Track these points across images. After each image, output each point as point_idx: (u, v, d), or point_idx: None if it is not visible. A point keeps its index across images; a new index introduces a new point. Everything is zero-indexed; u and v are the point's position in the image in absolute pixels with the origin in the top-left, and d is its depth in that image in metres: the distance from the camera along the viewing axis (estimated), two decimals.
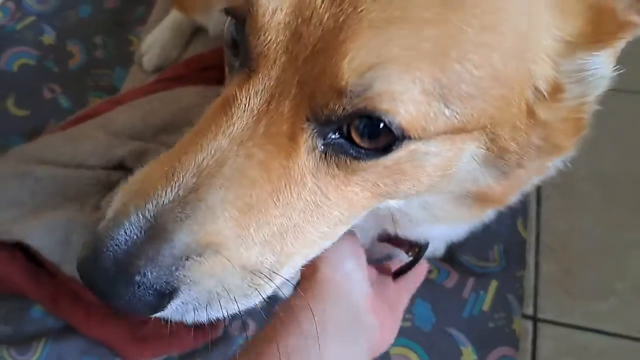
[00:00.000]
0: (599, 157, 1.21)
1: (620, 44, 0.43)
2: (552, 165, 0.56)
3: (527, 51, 0.40)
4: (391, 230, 0.61)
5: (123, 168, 1.09)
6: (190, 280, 0.39)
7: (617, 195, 1.17)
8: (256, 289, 0.42)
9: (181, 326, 0.90)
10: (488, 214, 0.61)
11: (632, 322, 1.03)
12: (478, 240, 1.05)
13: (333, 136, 0.40)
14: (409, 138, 0.39)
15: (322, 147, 0.40)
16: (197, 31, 1.35)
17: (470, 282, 1.00)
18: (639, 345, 1.01)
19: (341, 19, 0.36)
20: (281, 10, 0.38)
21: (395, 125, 0.37)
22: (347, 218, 0.44)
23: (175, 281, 0.39)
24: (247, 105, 0.39)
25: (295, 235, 0.42)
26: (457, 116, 0.39)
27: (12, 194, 1.05)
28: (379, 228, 0.63)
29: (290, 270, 0.44)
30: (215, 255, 0.39)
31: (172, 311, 0.41)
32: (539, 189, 1.16)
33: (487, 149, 0.44)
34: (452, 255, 1.04)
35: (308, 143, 0.40)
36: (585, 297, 1.05)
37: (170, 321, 0.76)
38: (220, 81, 1.08)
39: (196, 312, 0.41)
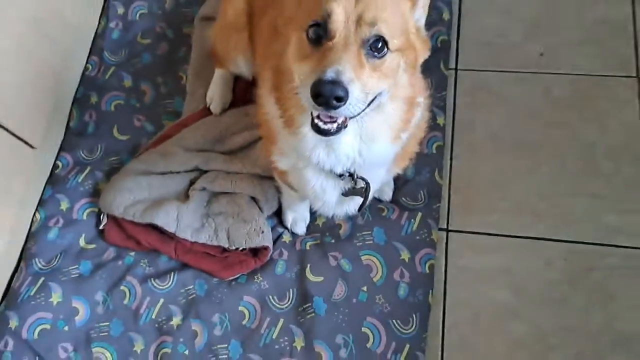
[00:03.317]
0: (489, 121, 1.86)
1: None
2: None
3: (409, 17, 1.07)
4: (352, 168, 1.21)
5: (198, 170, 1.82)
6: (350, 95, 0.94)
7: (503, 148, 1.82)
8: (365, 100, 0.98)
9: (248, 256, 1.65)
10: (403, 139, 1.20)
11: (509, 227, 1.70)
12: (411, 188, 1.75)
13: (368, 49, 0.96)
14: (389, 50, 0.98)
15: (365, 53, 0.96)
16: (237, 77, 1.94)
17: (406, 214, 1.71)
18: (513, 240, 1.69)
19: (361, 11, 0.96)
20: (339, 15, 0.95)
21: (386, 42, 0.97)
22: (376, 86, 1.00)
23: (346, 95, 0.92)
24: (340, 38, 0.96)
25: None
26: (397, 42, 1.00)
27: (136, 194, 1.79)
28: (346, 185, 1.31)
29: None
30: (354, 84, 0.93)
31: (343, 108, 0.93)
32: (451, 149, 1.83)
33: (404, 62, 1.05)
34: (396, 199, 1.75)
35: (362, 52, 0.95)
36: (480, 214, 1.74)
37: (242, 253, 1.54)
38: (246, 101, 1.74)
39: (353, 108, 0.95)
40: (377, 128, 1.14)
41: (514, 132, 1.83)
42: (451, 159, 1.82)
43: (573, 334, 1.55)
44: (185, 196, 1.78)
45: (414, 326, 1.58)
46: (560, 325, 1.56)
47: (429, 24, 2.08)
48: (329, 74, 0.91)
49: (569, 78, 1.89)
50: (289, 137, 1.20)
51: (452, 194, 1.78)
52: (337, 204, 1.40)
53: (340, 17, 0.95)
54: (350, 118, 1.01)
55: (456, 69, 1.96)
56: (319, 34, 0.98)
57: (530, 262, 1.65)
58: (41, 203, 1.85)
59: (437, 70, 1.90)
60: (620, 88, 1.87)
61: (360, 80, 0.94)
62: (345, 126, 1.02)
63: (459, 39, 2.01)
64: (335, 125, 1.00)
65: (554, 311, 1.58)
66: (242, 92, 1.92)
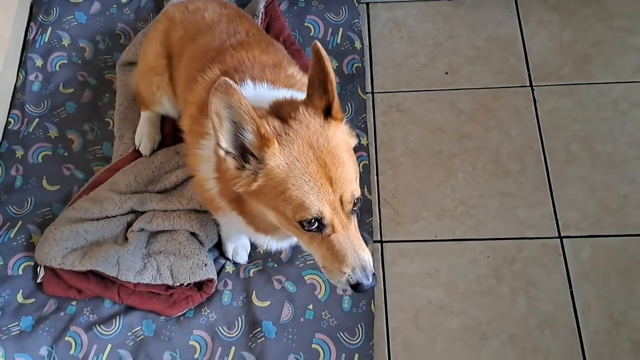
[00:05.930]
0: (407, 137, 2.02)
1: None
2: None
3: None
4: None
5: (134, 212, 1.84)
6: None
7: (420, 161, 1.98)
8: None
9: (193, 290, 1.68)
10: None
11: (434, 232, 1.86)
12: None
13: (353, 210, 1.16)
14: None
15: (353, 216, 1.16)
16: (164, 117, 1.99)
17: None
18: (439, 244, 1.85)
19: (340, 194, 1.11)
20: (329, 212, 1.11)
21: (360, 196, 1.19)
22: None
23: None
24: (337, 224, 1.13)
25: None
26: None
27: (73, 243, 1.78)
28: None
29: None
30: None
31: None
32: (377, 166, 1.97)
33: None
34: None
35: (352, 217, 1.15)
36: (408, 223, 1.89)
37: (187, 289, 1.57)
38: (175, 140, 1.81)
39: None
40: None
41: (429, 145, 2.00)
42: (377, 175, 1.96)
43: (503, 321, 1.70)
44: (123, 239, 1.80)
45: (360, 336, 1.67)
46: (491, 315, 1.71)
47: (343, 53, 2.24)
48: (361, 279, 1.14)
49: (472, 92, 2.10)
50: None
51: (382, 207, 1.91)
52: (281, 239, 1.44)
53: (330, 213, 1.11)
54: None
55: (372, 93, 2.12)
56: (311, 222, 1.12)
57: (457, 262, 1.80)
58: None
59: (355, 95, 2.05)
60: (517, 96, 2.09)
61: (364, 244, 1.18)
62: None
63: (372, 65, 2.17)
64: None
65: (483, 303, 1.73)
66: (171, 131, 1.97)
